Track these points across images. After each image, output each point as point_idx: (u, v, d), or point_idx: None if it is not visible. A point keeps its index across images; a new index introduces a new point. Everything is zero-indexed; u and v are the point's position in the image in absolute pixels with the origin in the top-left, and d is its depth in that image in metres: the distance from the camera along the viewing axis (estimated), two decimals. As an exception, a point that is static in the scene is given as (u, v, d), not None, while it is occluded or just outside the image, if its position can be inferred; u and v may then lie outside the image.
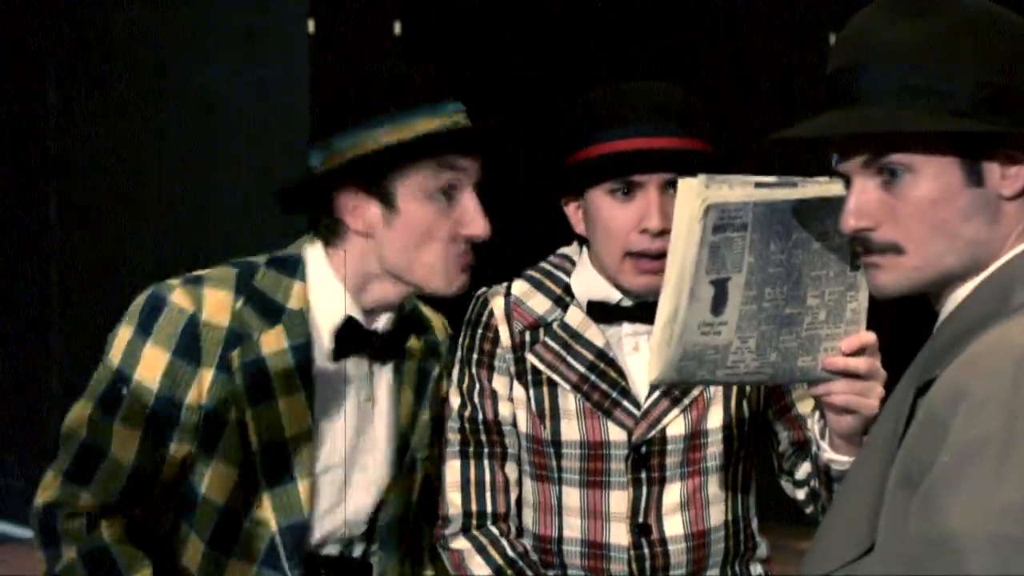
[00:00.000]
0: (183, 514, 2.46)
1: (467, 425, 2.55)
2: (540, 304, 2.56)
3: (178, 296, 2.42)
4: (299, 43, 5.86)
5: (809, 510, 2.50)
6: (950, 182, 1.83)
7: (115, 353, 2.43)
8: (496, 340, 2.56)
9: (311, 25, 5.87)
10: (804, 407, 2.54)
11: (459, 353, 2.58)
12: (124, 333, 2.43)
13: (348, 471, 2.50)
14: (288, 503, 2.43)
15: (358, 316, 2.48)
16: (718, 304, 2.03)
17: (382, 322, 2.51)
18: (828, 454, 2.20)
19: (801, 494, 2.50)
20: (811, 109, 1.93)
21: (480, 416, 2.55)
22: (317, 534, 2.48)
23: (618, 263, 2.48)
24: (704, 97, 2.60)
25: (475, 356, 2.56)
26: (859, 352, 2.11)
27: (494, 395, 2.55)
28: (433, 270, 2.43)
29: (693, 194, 1.99)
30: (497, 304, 2.57)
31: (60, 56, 6.76)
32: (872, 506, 1.79)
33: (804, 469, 2.48)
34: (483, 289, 2.60)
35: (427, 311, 2.65)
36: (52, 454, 2.44)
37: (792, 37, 6.64)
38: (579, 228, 2.55)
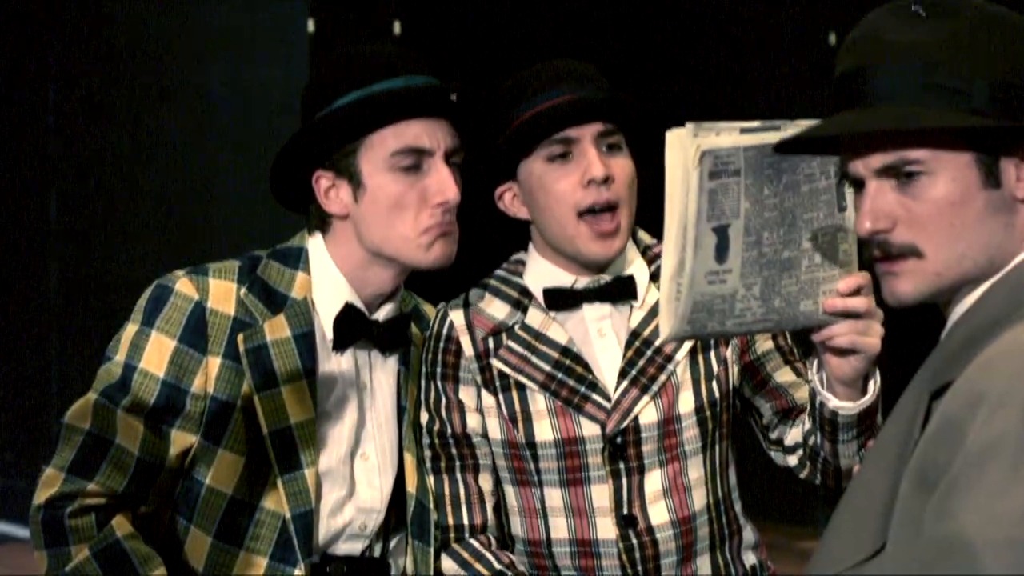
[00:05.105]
0: (181, 510, 2.47)
1: (436, 440, 2.55)
2: (499, 309, 2.56)
3: (183, 285, 2.44)
4: (299, 43, 5.86)
5: (804, 474, 2.51)
6: (968, 183, 1.82)
7: (120, 347, 2.44)
8: (459, 352, 2.55)
9: (311, 25, 5.87)
10: (781, 376, 2.55)
11: (424, 368, 2.57)
12: (130, 328, 2.45)
13: (352, 461, 2.51)
14: (297, 490, 2.43)
15: (359, 306, 2.49)
16: (721, 252, 2.04)
17: (383, 313, 2.52)
18: (834, 402, 2.24)
19: (793, 460, 2.51)
20: (811, 110, 1.93)
21: (449, 430, 2.54)
22: (328, 527, 2.48)
23: (573, 227, 2.48)
24: (703, 97, 2.63)
25: (439, 370, 2.55)
26: (856, 292, 2.14)
27: (461, 407, 2.55)
28: (407, 241, 2.43)
29: (686, 142, 2.00)
30: (456, 316, 2.57)
31: (60, 56, 6.76)
32: (883, 507, 1.79)
33: (792, 435, 2.50)
34: (442, 304, 2.61)
35: (428, 308, 2.66)
36: (52, 452, 2.44)
37: (792, 37, 6.64)
38: (521, 213, 2.55)
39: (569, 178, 2.47)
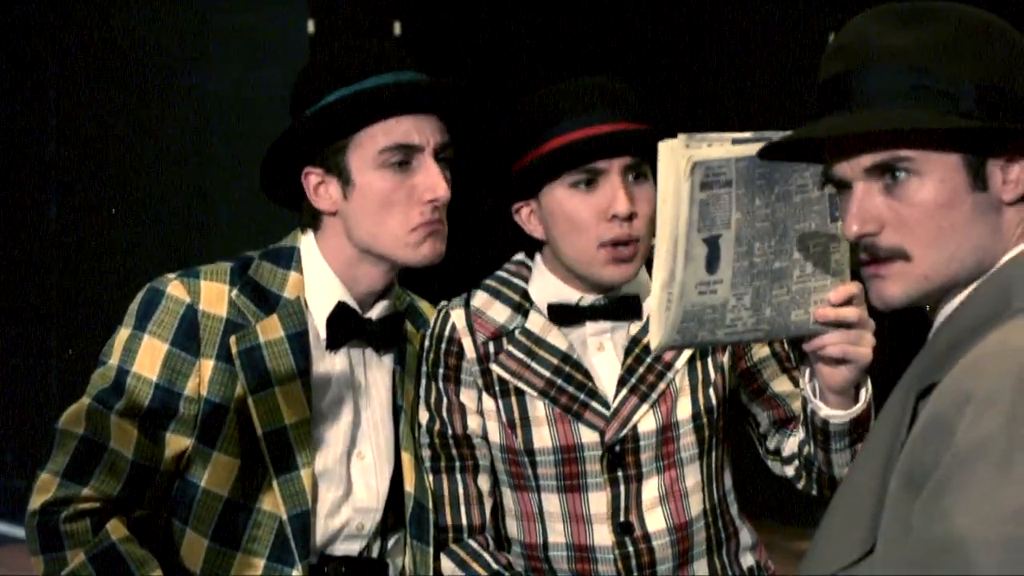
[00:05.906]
0: (177, 513, 2.46)
1: (437, 440, 2.55)
2: (500, 313, 2.56)
3: (175, 288, 2.44)
4: (299, 43, 5.86)
5: (801, 485, 2.51)
6: (955, 186, 1.82)
7: (114, 351, 2.44)
8: (461, 353, 2.55)
9: (311, 25, 5.87)
10: (779, 386, 2.55)
11: (424, 368, 2.57)
12: (123, 332, 2.45)
13: (348, 461, 2.51)
14: (294, 491, 2.43)
15: (352, 305, 2.49)
16: (712, 262, 2.05)
17: (376, 311, 2.52)
18: (825, 410, 2.25)
19: (790, 470, 2.52)
20: (811, 111, 1.93)
21: (449, 431, 2.54)
22: (325, 527, 2.48)
23: (591, 255, 2.46)
24: (703, 97, 2.63)
25: (441, 371, 2.55)
26: (847, 302, 2.15)
27: (462, 409, 2.54)
28: (396, 239, 2.43)
29: (678, 154, 2.01)
30: (458, 317, 2.56)
31: (60, 56, 6.76)
32: (872, 508, 1.79)
33: (790, 446, 2.50)
34: (443, 303, 2.60)
35: (424, 304, 2.66)
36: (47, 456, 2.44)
37: (792, 37, 6.64)
38: (536, 232, 2.53)
39: (592, 208, 2.45)
